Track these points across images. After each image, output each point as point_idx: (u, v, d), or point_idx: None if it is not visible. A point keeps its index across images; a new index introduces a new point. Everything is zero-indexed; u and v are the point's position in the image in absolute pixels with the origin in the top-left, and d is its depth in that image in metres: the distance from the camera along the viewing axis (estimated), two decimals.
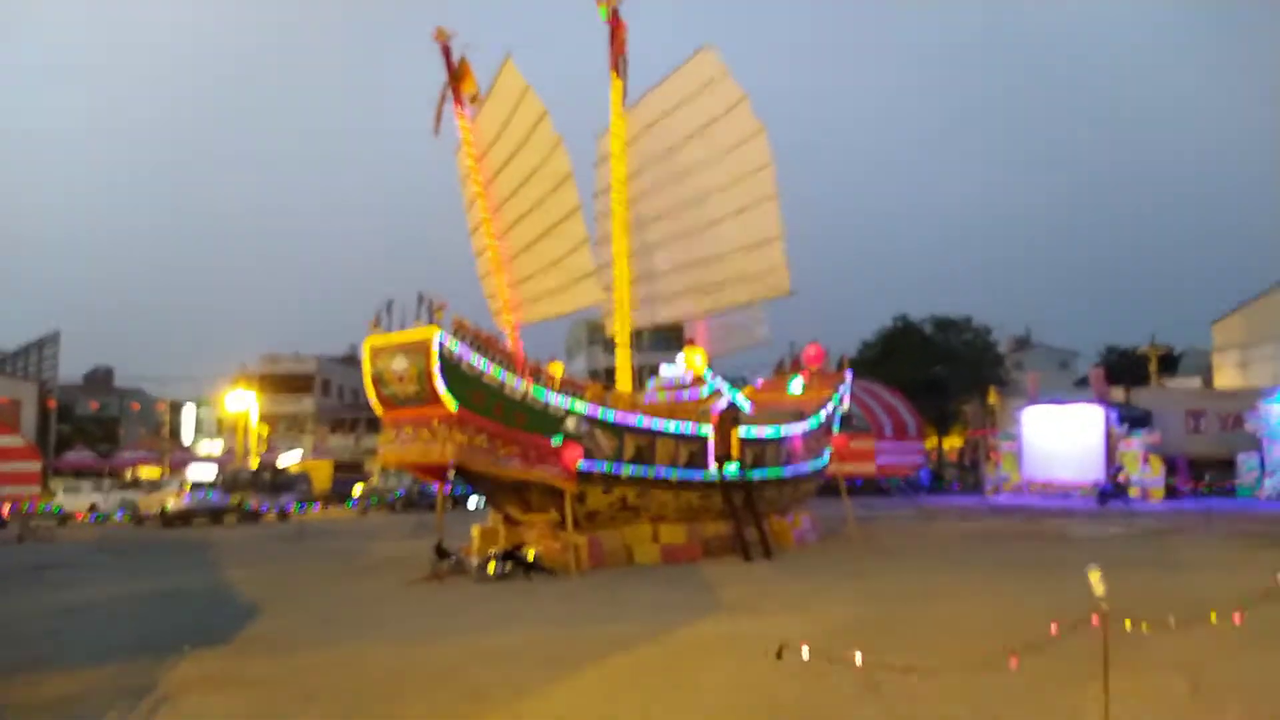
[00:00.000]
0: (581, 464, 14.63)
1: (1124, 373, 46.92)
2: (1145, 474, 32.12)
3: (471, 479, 15.82)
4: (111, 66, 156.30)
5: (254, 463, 38.21)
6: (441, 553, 14.93)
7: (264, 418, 45.84)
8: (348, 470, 41.41)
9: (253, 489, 30.57)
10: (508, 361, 14.38)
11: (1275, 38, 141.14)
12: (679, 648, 8.98)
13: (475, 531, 16.37)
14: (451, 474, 15.40)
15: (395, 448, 14.18)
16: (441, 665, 8.39)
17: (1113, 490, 31.13)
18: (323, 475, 39.51)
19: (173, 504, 26.22)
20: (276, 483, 31.59)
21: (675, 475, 16.12)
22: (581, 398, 15.02)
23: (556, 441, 14.47)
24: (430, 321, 13.50)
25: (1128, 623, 6.29)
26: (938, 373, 49.96)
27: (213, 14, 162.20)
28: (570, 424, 14.72)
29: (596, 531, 15.36)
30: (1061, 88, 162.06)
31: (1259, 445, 30.64)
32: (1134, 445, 32.86)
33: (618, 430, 15.33)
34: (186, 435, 52.67)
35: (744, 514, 16.59)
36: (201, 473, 36.51)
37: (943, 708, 6.64)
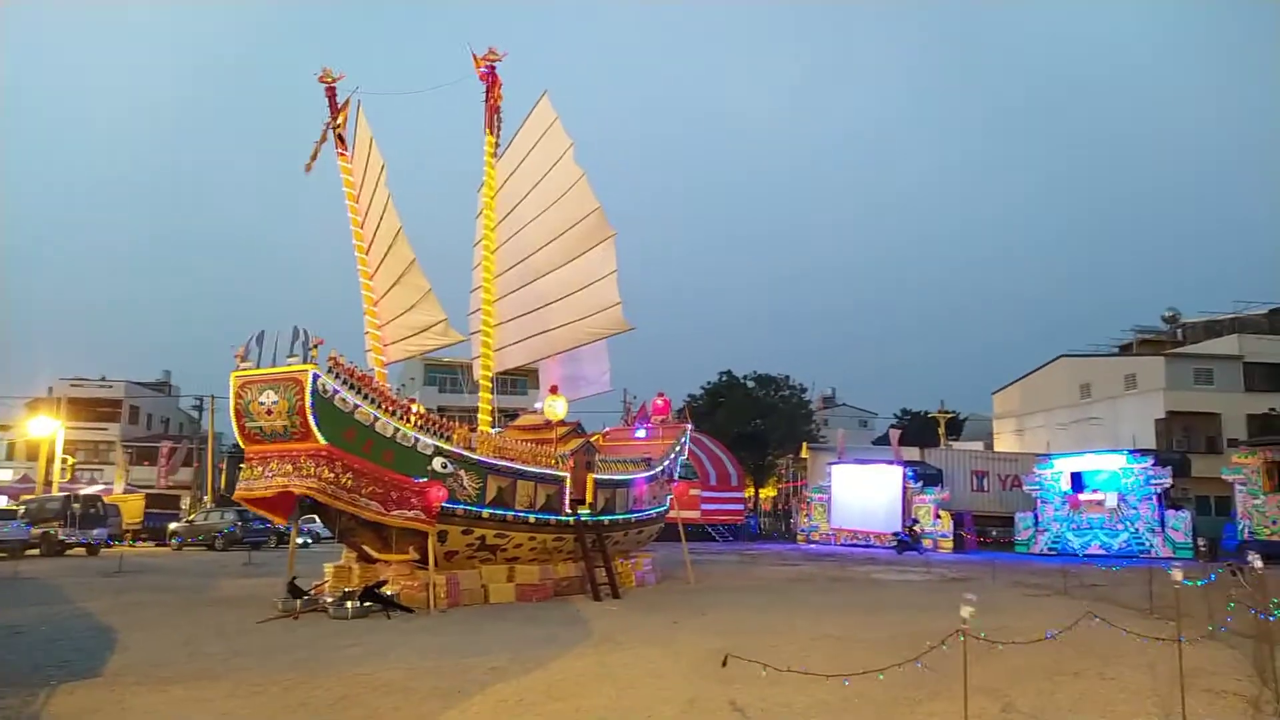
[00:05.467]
0: (444, 503, 15.07)
1: (915, 433, 51.59)
2: (936, 527, 35.56)
3: (327, 516, 15.85)
4: None
5: (55, 492, 35.25)
6: (295, 590, 14.88)
7: (66, 445, 42.36)
8: (161, 504, 38.90)
9: (61, 521, 28.35)
10: (379, 399, 14.70)
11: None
12: (557, 678, 9.64)
13: (329, 570, 16.34)
14: (298, 511, 15.54)
15: (256, 482, 14.05)
16: (335, 695, 8.67)
17: (909, 540, 34.33)
18: (133, 509, 36.78)
19: None
20: (88, 515, 29.40)
21: (533, 517, 16.81)
22: (450, 438, 15.50)
23: (422, 480, 14.86)
24: (306, 358, 13.66)
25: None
26: (758, 426, 53.03)
27: None
28: (437, 463, 15.15)
29: (454, 570, 15.76)
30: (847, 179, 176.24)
31: (1034, 505, 34.69)
32: (926, 500, 36.33)
33: (482, 471, 15.88)
34: None
35: (595, 556, 17.47)
36: None
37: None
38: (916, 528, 35.49)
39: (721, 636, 12.50)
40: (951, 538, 35.13)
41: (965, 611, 6.68)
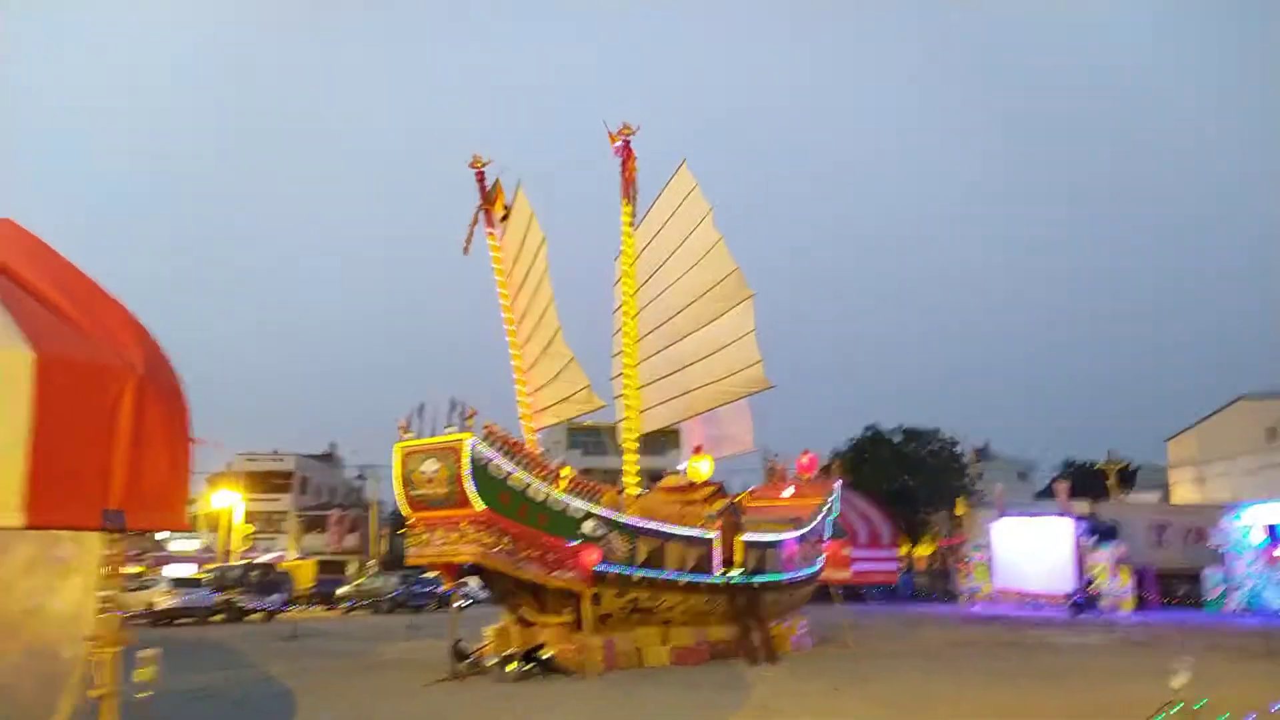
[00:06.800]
0: (597, 566, 15.23)
1: (1081, 486, 48.34)
2: (1115, 585, 33.00)
3: (489, 579, 16.31)
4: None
5: (234, 560, 37.89)
6: (459, 653, 15.27)
7: (243, 516, 45.64)
8: (330, 570, 41.08)
9: (241, 588, 30.39)
10: (532, 465, 15.12)
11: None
12: None
13: (490, 632, 16.73)
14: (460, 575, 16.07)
15: (423, 549, 14.69)
16: None
17: (1085, 601, 31.99)
18: (305, 574, 39.13)
19: (162, 602, 26.03)
20: (265, 582, 31.40)
21: (684, 579, 16.72)
22: (599, 501, 15.73)
23: (574, 543, 15.10)
24: (463, 427, 14.27)
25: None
26: (907, 482, 51.05)
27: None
28: (588, 526, 15.37)
29: (609, 633, 15.81)
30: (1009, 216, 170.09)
31: (1223, 560, 31.75)
32: (1102, 557, 33.80)
33: (632, 534, 15.98)
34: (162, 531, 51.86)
35: (748, 618, 17.16)
36: (180, 570, 36.08)
37: None
38: (1092, 587, 33.08)
39: (887, 706, 12.00)
40: (1132, 596, 32.52)
41: (1177, 681, 6.16)
